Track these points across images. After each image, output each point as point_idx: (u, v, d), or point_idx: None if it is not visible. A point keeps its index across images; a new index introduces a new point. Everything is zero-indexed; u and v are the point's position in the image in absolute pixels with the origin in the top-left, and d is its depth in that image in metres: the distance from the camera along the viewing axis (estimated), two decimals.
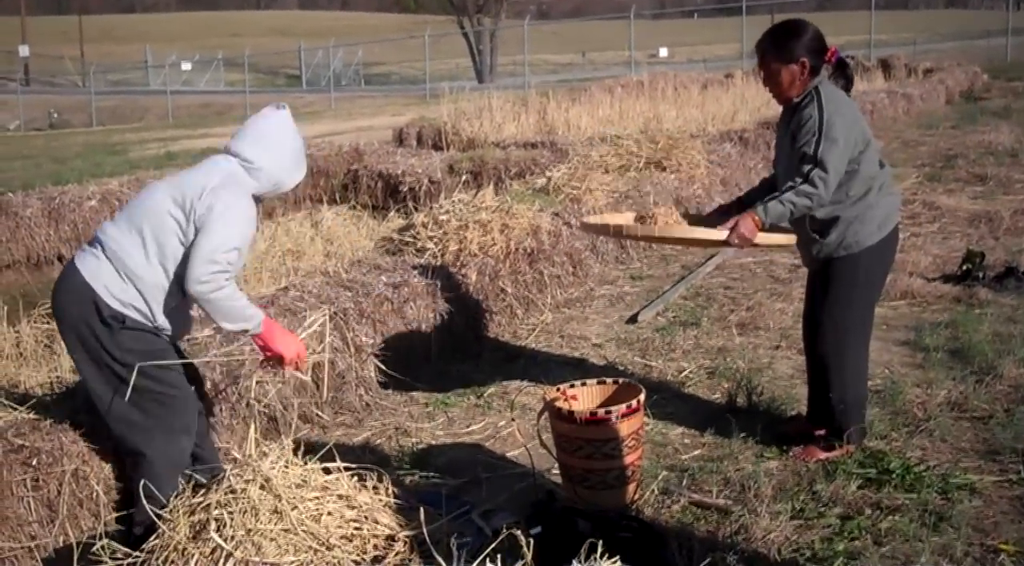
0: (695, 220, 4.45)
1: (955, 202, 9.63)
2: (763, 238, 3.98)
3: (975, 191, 10.30)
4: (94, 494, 3.90)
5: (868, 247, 4.11)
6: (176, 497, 3.35)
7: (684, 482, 4.13)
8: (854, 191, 4.06)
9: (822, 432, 4.33)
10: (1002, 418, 4.57)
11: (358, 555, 3.29)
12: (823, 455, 4.25)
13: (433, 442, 4.80)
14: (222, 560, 3.12)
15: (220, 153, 3.80)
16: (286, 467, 3.37)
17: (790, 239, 4.17)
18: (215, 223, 3.54)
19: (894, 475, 4.02)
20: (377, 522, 3.43)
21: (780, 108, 4.25)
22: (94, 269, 3.60)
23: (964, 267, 6.93)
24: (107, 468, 3.95)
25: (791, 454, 4.33)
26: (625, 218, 4.55)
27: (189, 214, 3.57)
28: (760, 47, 4.18)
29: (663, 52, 45.18)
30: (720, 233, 3.94)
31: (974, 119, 16.43)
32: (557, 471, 4.07)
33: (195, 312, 3.97)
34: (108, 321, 3.56)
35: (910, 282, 6.77)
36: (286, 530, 3.20)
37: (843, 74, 4.20)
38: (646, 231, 4.17)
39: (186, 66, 52.93)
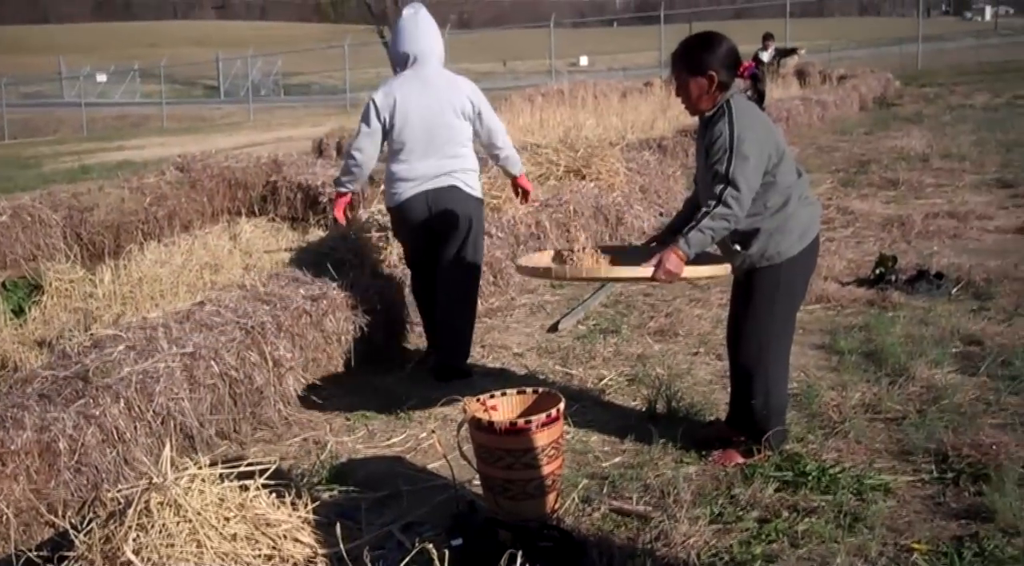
0: (621, 252, 4.59)
1: (868, 207, 9.83)
2: (691, 271, 4.01)
3: (888, 196, 10.51)
4: (3, 517, 3.79)
5: (790, 258, 4.15)
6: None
7: (604, 490, 4.14)
8: (772, 202, 4.09)
9: (742, 437, 4.38)
10: (915, 419, 4.66)
11: None
12: (742, 459, 4.30)
13: (353, 456, 4.76)
14: None
15: (414, 64, 5.48)
16: (202, 486, 3.32)
17: (721, 270, 4.21)
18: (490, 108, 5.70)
19: (810, 477, 4.07)
20: (296, 541, 3.39)
21: (698, 117, 4.29)
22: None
23: (877, 271, 7.07)
24: (17, 490, 3.84)
25: (710, 459, 4.36)
26: (548, 258, 4.67)
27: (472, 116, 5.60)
28: (673, 57, 4.21)
29: (583, 61, 45.60)
30: (645, 270, 3.95)
31: (887, 125, 16.81)
32: (478, 482, 4.05)
33: None
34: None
35: (825, 286, 6.89)
36: (202, 552, 3.15)
37: (755, 88, 4.24)
38: (574, 273, 4.34)
39: (101, 77, 52.19)
